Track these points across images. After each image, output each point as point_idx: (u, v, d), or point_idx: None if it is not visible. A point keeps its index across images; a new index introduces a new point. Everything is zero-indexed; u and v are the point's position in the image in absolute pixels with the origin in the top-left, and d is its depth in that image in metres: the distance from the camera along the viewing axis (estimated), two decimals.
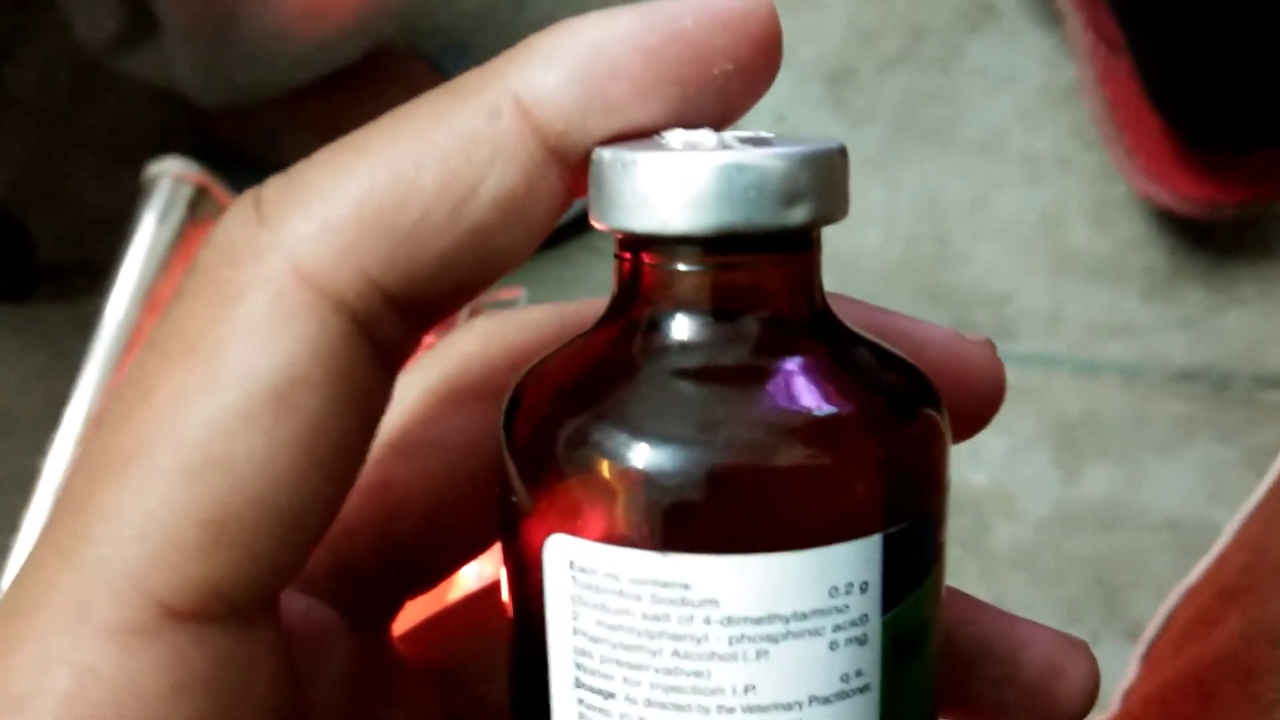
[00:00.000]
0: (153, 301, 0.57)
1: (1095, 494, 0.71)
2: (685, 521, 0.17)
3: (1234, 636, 0.30)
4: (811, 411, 0.17)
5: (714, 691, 0.17)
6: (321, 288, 0.17)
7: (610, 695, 0.17)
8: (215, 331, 0.17)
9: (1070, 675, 0.22)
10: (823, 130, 0.76)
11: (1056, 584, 0.70)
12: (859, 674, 0.17)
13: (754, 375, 0.18)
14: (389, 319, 0.17)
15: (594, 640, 0.17)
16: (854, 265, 0.74)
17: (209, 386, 0.17)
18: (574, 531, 0.17)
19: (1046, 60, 0.78)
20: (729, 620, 0.17)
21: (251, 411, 0.16)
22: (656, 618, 0.17)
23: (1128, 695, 0.34)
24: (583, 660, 0.18)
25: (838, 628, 0.17)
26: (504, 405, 0.19)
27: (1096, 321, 0.73)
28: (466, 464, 0.22)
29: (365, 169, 0.17)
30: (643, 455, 0.17)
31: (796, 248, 0.18)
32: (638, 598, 0.17)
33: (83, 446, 0.18)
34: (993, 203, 0.76)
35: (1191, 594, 0.34)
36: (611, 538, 0.17)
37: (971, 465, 0.71)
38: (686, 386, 0.18)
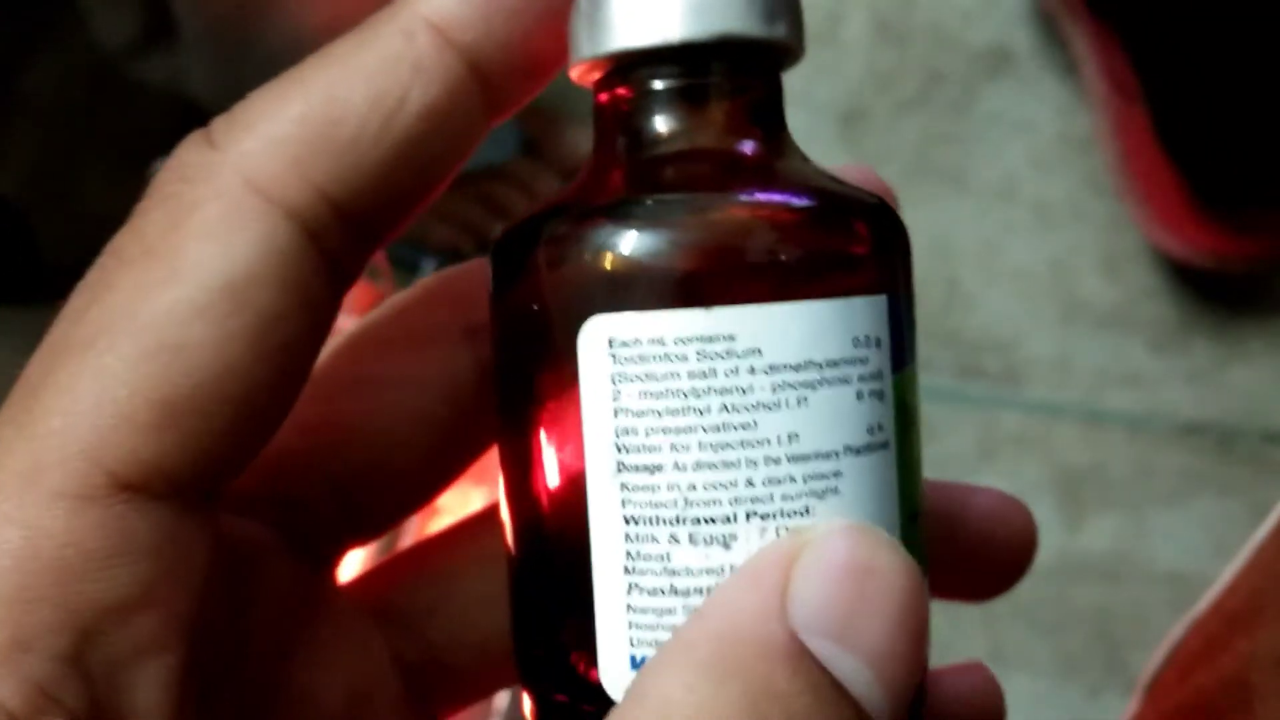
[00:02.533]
0: None
1: (1098, 545, 0.70)
2: (728, 276, 0.18)
3: (1242, 661, 0.29)
4: (813, 186, 0.19)
5: (761, 443, 0.18)
6: (272, 197, 0.18)
7: (657, 468, 0.18)
8: (173, 236, 0.18)
9: (1010, 524, 0.24)
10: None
11: (1057, 635, 0.69)
12: (881, 428, 0.18)
13: (754, 168, 0.20)
14: (335, 229, 0.19)
15: (638, 415, 0.18)
16: None
17: (166, 281, 0.18)
18: (615, 307, 0.18)
19: (1062, 109, 0.78)
20: (772, 368, 0.18)
21: (206, 304, 0.17)
22: (704, 374, 0.18)
23: None
24: (625, 440, 0.18)
25: (862, 378, 0.18)
26: (492, 255, 0.20)
27: (1104, 371, 0.73)
28: (408, 402, 0.23)
29: (302, 93, 0.19)
30: (683, 220, 0.18)
31: (762, 66, 0.20)
32: (684, 358, 0.18)
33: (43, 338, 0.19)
34: (1003, 249, 0.76)
35: (1198, 625, 0.33)
36: (655, 304, 0.18)
37: None
38: (699, 178, 0.20)
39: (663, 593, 0.18)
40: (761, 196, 0.19)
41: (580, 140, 0.73)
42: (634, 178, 0.20)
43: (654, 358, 0.18)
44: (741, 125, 0.20)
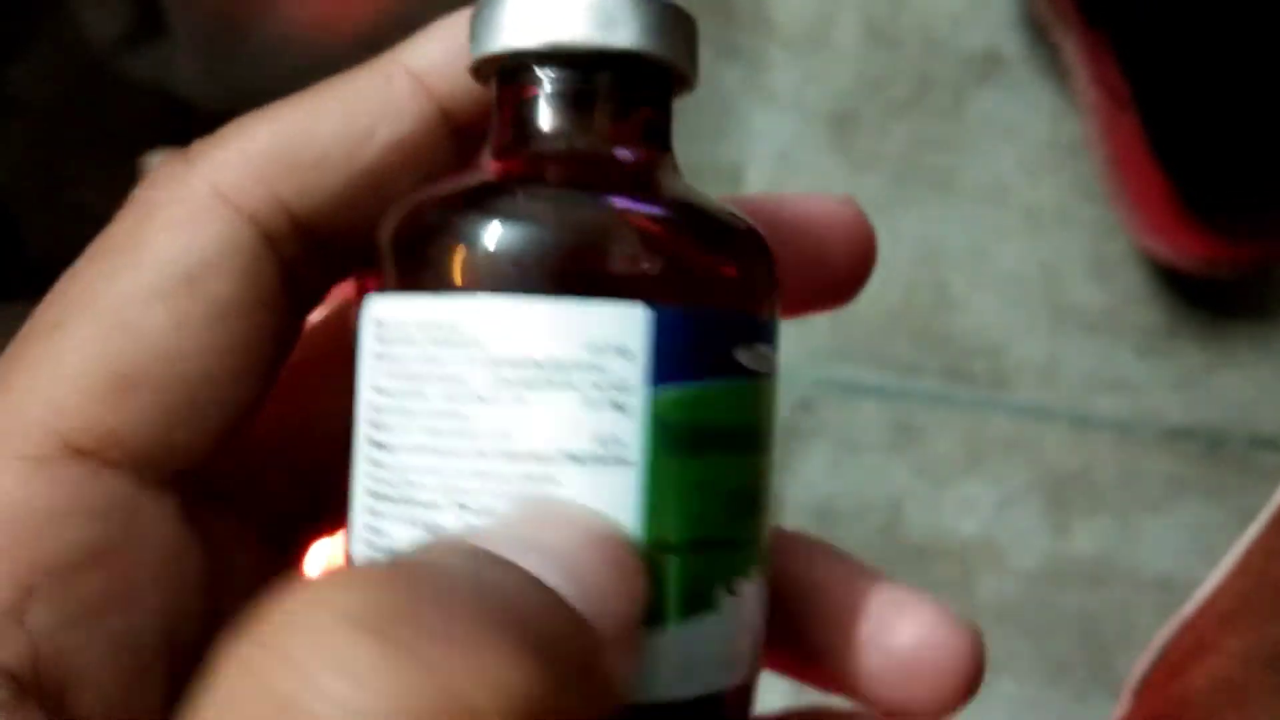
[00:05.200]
0: None
1: (1085, 549, 0.70)
2: (457, 264, 0.18)
3: (1231, 661, 0.29)
4: (593, 186, 0.19)
5: (474, 435, 0.17)
6: (236, 203, 0.19)
7: (390, 448, 0.18)
8: (137, 232, 0.19)
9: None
10: (825, 176, 0.76)
11: (1043, 639, 0.69)
12: (617, 442, 0.17)
13: (622, 177, 0.20)
14: (294, 240, 0.20)
15: (383, 393, 0.18)
16: (851, 309, 0.74)
17: (127, 268, 0.19)
18: (378, 287, 0.19)
19: (1052, 114, 0.78)
20: (492, 361, 0.17)
21: (165, 289, 0.19)
22: (430, 360, 0.18)
23: None
24: (374, 417, 0.19)
25: (596, 386, 0.17)
26: None
27: (1092, 376, 0.73)
28: None
29: (276, 117, 0.20)
30: (431, 207, 0.19)
31: (649, 85, 0.20)
32: (418, 341, 0.18)
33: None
34: (993, 253, 0.76)
35: (1187, 625, 0.33)
36: (400, 285, 0.18)
37: (961, 515, 0.70)
38: (503, 176, 0.20)
39: None
40: (524, 186, 0.19)
41: None
42: (471, 174, 0.20)
43: (398, 340, 0.18)
44: (623, 136, 0.20)
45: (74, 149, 0.79)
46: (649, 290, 0.18)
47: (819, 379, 0.73)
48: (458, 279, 0.18)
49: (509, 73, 0.20)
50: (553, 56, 0.19)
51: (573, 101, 0.20)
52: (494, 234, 0.18)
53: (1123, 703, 0.34)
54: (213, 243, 0.19)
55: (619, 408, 0.17)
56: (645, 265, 0.18)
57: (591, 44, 0.19)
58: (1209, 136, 0.67)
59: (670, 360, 0.18)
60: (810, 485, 0.72)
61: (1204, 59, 0.66)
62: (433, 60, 0.21)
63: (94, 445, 0.18)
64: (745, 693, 0.20)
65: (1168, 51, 0.67)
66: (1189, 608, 0.33)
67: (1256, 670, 0.28)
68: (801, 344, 0.74)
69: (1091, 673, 0.67)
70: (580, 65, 0.19)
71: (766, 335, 0.20)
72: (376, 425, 0.18)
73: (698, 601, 0.18)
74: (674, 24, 0.20)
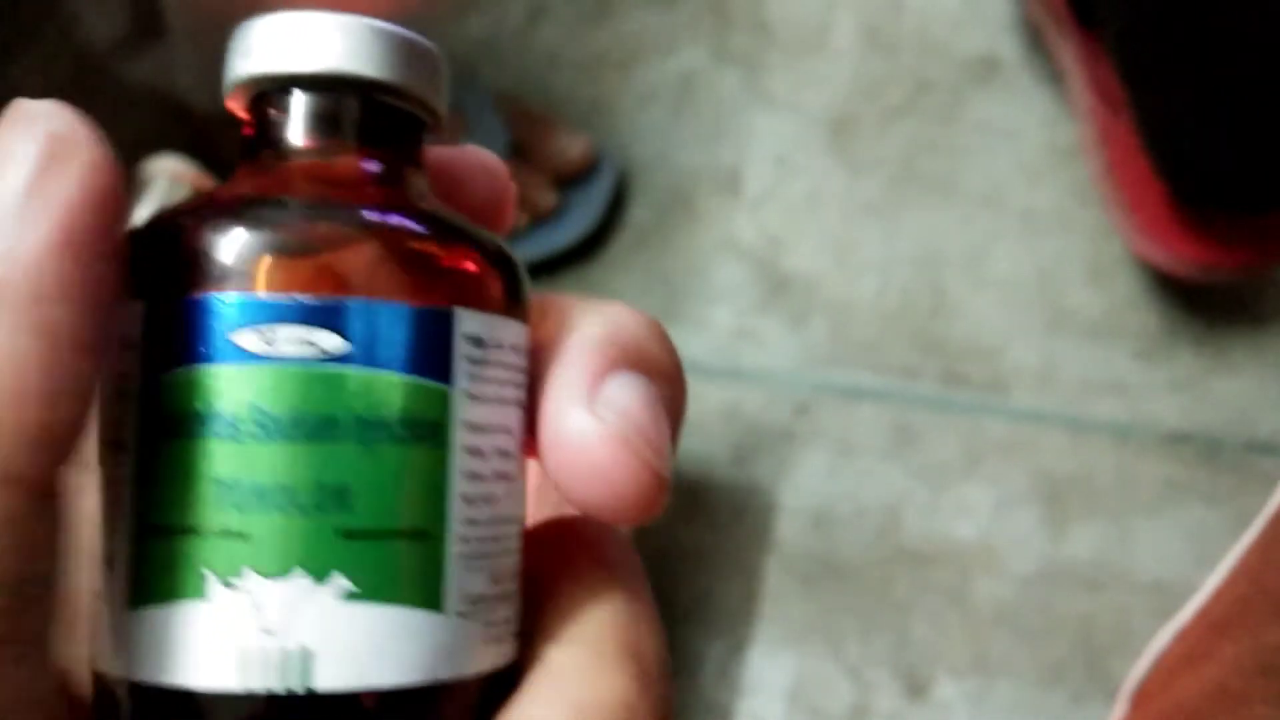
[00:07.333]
0: None
1: (1081, 553, 0.70)
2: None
3: (1226, 667, 0.29)
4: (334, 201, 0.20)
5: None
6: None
7: None
8: None
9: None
10: (822, 179, 0.76)
11: (1039, 643, 0.69)
12: (122, 429, 0.19)
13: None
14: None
15: None
16: (849, 312, 0.74)
17: None
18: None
19: (1048, 118, 0.78)
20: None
21: None
22: None
23: None
24: None
25: (112, 377, 0.19)
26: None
27: (1089, 380, 0.73)
28: None
29: None
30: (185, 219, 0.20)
31: (393, 116, 0.21)
32: None
33: None
34: (990, 257, 0.76)
35: (1182, 632, 0.33)
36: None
37: (958, 518, 0.70)
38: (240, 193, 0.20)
39: None
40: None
41: (568, 144, 0.73)
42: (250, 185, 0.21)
43: None
44: (361, 155, 0.21)
45: None
46: (146, 283, 0.19)
47: (816, 383, 0.73)
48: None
49: (261, 97, 0.21)
50: (300, 82, 0.20)
51: (315, 124, 0.21)
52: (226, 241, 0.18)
53: (1118, 709, 0.34)
54: None
55: (125, 396, 0.19)
56: (144, 259, 0.19)
57: (331, 71, 0.20)
58: (1204, 141, 0.67)
59: (166, 347, 0.18)
60: (808, 489, 0.72)
61: (1199, 63, 0.66)
62: None
63: None
64: (226, 699, 0.18)
65: (1162, 56, 0.68)
66: (1184, 615, 0.34)
67: (1252, 677, 0.28)
68: (799, 348, 0.74)
69: (1087, 676, 0.68)
70: (323, 90, 0.21)
71: (312, 317, 0.18)
72: None
73: (172, 586, 0.18)
74: (417, 58, 0.21)
